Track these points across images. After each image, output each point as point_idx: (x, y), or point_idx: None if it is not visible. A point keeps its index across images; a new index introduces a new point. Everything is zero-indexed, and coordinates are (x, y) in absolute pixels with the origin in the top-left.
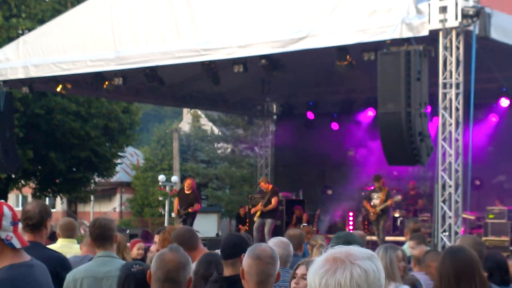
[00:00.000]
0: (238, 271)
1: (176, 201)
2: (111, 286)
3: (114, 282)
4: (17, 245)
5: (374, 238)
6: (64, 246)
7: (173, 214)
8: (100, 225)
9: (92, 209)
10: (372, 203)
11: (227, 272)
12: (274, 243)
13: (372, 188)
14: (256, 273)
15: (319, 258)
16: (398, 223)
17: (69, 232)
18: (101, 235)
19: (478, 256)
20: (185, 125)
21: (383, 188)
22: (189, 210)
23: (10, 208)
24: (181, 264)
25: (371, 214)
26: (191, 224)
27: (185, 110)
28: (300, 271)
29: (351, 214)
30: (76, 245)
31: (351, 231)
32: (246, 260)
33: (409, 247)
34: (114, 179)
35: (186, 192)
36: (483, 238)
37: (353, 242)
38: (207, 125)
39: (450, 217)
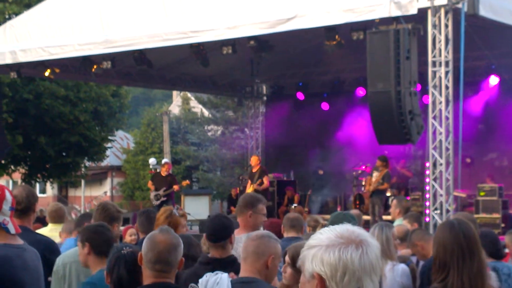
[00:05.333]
0: (228, 252)
1: (149, 185)
2: None
3: None
4: (12, 230)
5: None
6: (53, 231)
7: (151, 197)
8: (105, 208)
9: (83, 194)
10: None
11: (217, 254)
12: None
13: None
14: (243, 249)
15: (338, 238)
16: (390, 202)
17: (58, 218)
18: (102, 219)
19: None
20: (175, 107)
21: (384, 169)
22: (175, 188)
23: (11, 194)
24: (172, 245)
25: (365, 191)
26: (173, 205)
27: (174, 93)
28: (287, 257)
29: (342, 194)
30: None
31: (348, 211)
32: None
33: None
34: (105, 163)
35: (163, 174)
36: (475, 216)
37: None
38: (197, 107)
39: (441, 195)
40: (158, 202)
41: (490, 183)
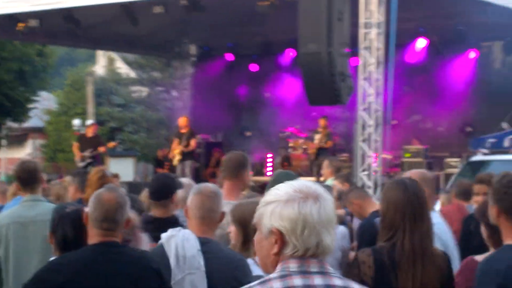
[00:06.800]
0: (170, 212)
1: (75, 146)
2: (37, 231)
3: (41, 226)
4: None
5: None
6: None
7: (76, 158)
8: (29, 168)
9: (3, 155)
10: (314, 143)
11: (158, 213)
12: None
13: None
14: (197, 207)
15: (296, 192)
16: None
17: None
18: (30, 179)
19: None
20: (100, 68)
21: (325, 129)
22: (100, 149)
23: None
24: (119, 203)
25: (310, 154)
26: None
27: (99, 53)
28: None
29: (269, 155)
30: None
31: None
32: (189, 197)
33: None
34: (26, 124)
35: (89, 136)
36: None
37: None
38: (123, 68)
39: (369, 157)
40: (83, 164)
41: (417, 145)
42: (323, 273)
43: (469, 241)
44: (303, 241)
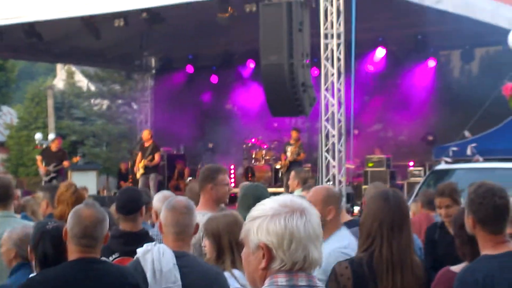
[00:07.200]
0: (139, 226)
1: (39, 160)
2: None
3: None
4: None
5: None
6: None
7: (40, 172)
8: (3, 184)
9: None
10: (286, 155)
11: (127, 227)
12: (158, 198)
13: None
14: (172, 224)
15: (282, 207)
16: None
17: None
18: (3, 195)
19: None
20: (60, 82)
21: (298, 141)
22: (65, 164)
23: None
24: (98, 219)
25: (282, 166)
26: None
27: (58, 67)
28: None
29: (232, 167)
30: None
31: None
32: (163, 212)
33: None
34: None
35: (54, 150)
36: (363, 187)
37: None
38: (83, 81)
39: (334, 167)
40: (48, 178)
41: (379, 154)
42: (311, 286)
43: (433, 249)
44: (290, 255)
